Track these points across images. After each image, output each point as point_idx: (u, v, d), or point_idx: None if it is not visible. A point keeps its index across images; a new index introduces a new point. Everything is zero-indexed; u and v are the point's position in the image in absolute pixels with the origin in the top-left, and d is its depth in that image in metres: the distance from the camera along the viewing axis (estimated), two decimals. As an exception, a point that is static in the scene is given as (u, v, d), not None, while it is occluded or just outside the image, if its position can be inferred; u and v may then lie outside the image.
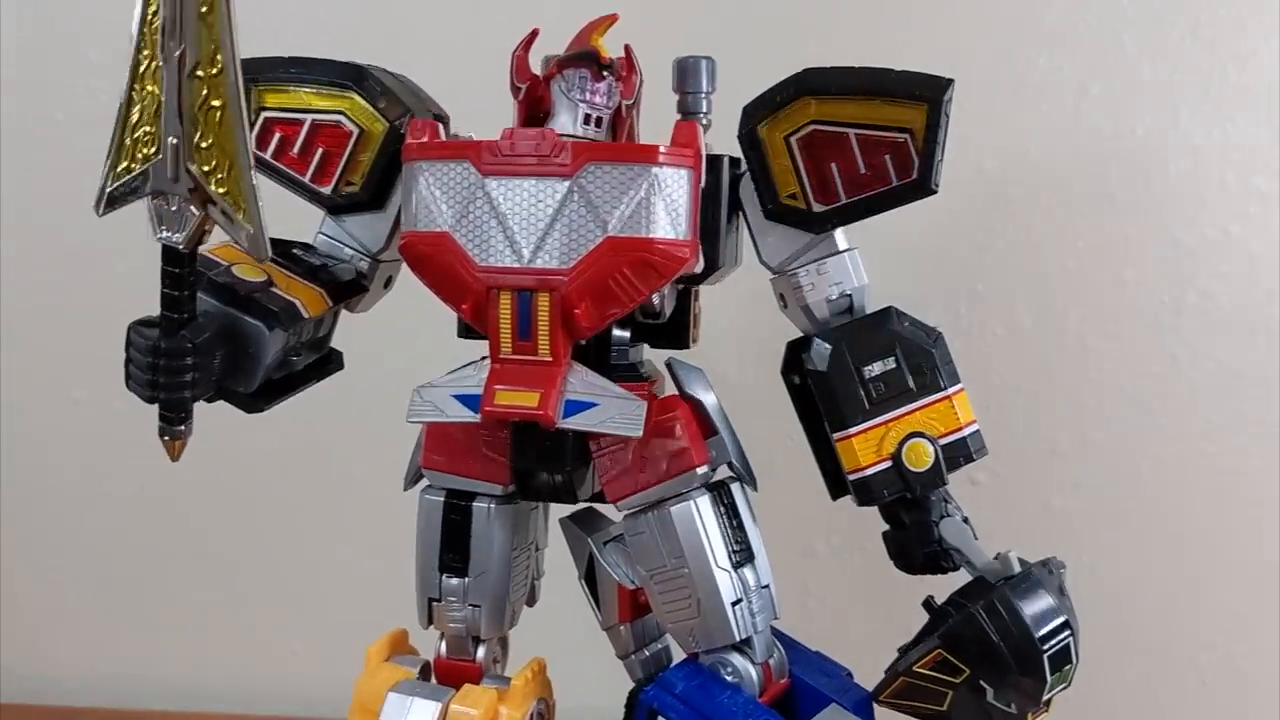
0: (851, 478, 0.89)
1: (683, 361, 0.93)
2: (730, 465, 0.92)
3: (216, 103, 0.77)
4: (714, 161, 0.89)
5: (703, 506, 0.89)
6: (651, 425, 0.86)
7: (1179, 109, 1.43)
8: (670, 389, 0.93)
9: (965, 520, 0.91)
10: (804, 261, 0.91)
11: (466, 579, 0.94)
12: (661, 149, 0.83)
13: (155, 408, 0.87)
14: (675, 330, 0.95)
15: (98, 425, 1.58)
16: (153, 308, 0.86)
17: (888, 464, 0.89)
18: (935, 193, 0.86)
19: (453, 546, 0.94)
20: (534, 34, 0.90)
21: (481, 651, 0.96)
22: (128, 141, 0.81)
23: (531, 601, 1.02)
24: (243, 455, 1.53)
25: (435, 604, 0.95)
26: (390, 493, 0.99)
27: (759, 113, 0.89)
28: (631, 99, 0.90)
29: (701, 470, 0.89)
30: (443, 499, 0.94)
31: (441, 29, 1.50)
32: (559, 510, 1.01)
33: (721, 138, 0.92)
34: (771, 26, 1.42)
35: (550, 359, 0.85)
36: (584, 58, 0.89)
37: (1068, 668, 0.87)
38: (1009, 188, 1.46)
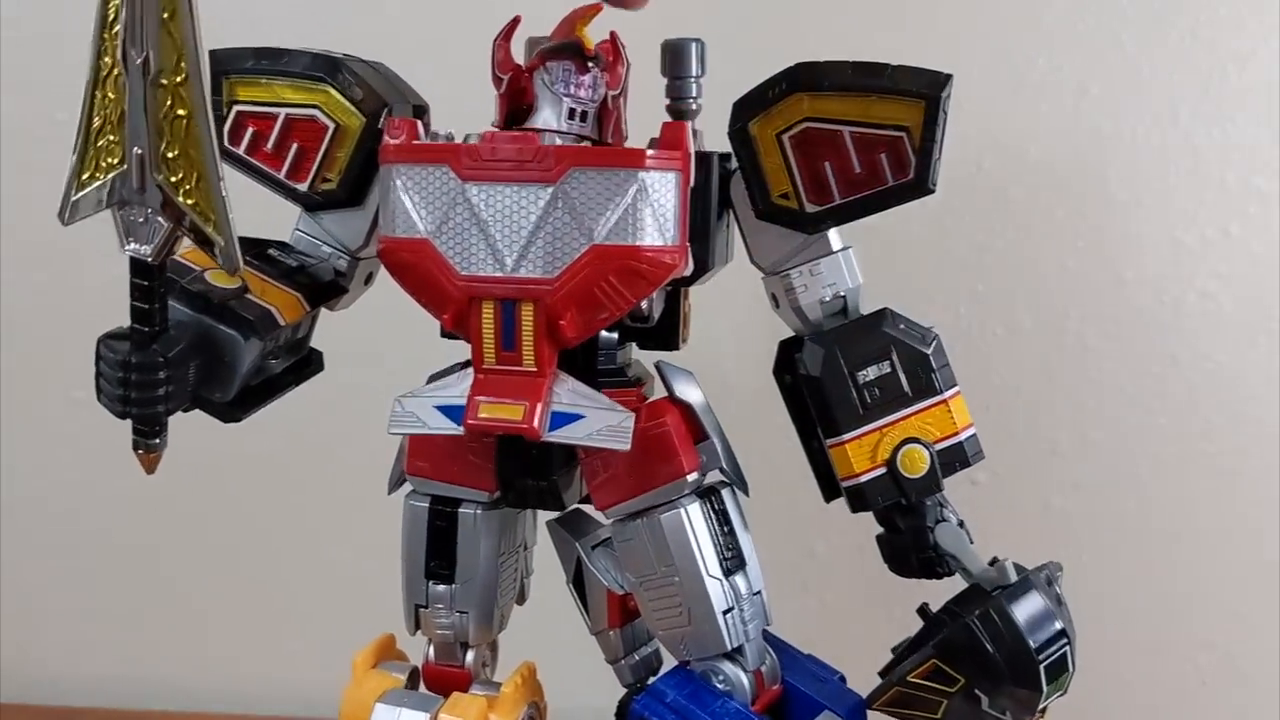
0: (845, 484, 0.88)
1: (672, 364, 0.91)
2: (721, 470, 0.91)
3: (182, 112, 0.74)
4: (703, 158, 0.87)
5: (693, 514, 0.88)
6: (640, 431, 0.84)
7: (1179, 109, 1.42)
8: (660, 390, 0.92)
9: (961, 525, 0.90)
10: (796, 262, 0.89)
11: (453, 585, 0.93)
12: (649, 153, 0.81)
13: None
14: (664, 332, 0.93)
15: (98, 425, 1.57)
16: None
17: (882, 470, 0.87)
18: (933, 192, 0.84)
19: (439, 553, 0.93)
20: (515, 22, 0.87)
21: (470, 657, 0.95)
22: (90, 150, 0.78)
23: (521, 600, 1.01)
24: (242, 456, 1.52)
25: (422, 610, 0.94)
26: (387, 494, 0.98)
27: (750, 109, 0.86)
28: (618, 89, 0.87)
29: (691, 477, 0.88)
30: (427, 505, 0.93)
31: (422, 16, 1.49)
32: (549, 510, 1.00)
33: (712, 133, 0.90)
34: (767, 24, 1.42)
35: (535, 369, 0.83)
36: (567, 49, 0.87)
37: (1064, 677, 0.86)
38: (1009, 188, 1.45)
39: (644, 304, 0.88)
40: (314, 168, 0.92)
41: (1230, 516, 1.47)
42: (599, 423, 0.82)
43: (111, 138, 0.77)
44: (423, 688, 0.95)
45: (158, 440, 0.86)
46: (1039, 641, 0.84)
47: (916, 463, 0.87)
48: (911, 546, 0.90)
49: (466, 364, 0.86)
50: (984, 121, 1.42)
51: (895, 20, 1.44)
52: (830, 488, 0.92)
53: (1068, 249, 1.45)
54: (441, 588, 0.93)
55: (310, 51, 0.92)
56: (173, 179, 0.76)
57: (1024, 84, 1.44)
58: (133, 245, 0.80)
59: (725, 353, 1.24)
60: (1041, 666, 0.84)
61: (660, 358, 0.93)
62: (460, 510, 0.92)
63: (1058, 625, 0.85)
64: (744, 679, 0.90)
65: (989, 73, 1.44)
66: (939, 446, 0.88)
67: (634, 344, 0.95)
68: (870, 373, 0.87)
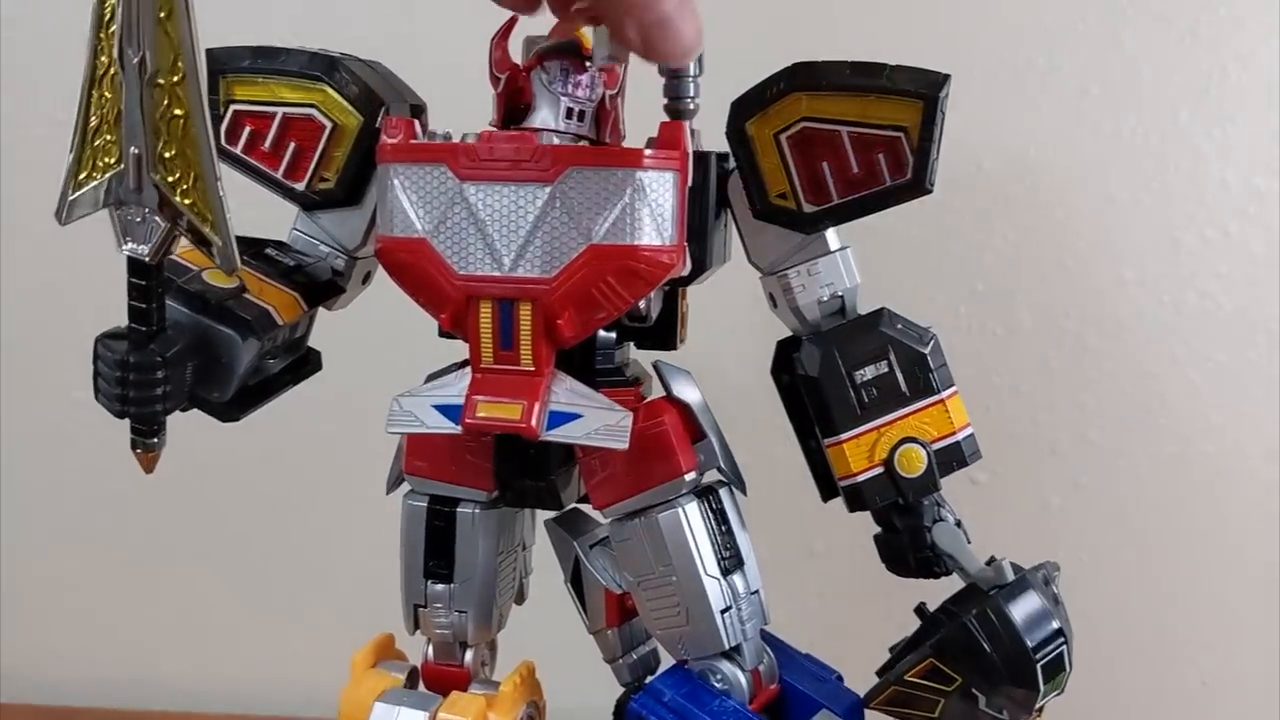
0: (842, 484, 0.89)
1: (670, 364, 0.91)
2: (719, 469, 0.91)
3: (179, 112, 0.74)
4: (701, 158, 0.87)
5: (690, 513, 0.88)
6: (638, 431, 0.84)
7: (1179, 109, 1.42)
8: (658, 390, 0.92)
9: (959, 525, 0.90)
10: (794, 262, 0.89)
11: (452, 585, 0.93)
12: (646, 153, 0.81)
13: None
14: (662, 331, 0.93)
15: (98, 425, 1.57)
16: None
17: (879, 470, 0.87)
18: (930, 192, 0.84)
19: (437, 553, 0.93)
20: (513, 21, 0.87)
21: (469, 656, 0.96)
22: (87, 150, 0.78)
23: (520, 599, 1.01)
24: (240, 457, 1.53)
25: (421, 610, 0.94)
26: (386, 493, 0.98)
27: (748, 109, 0.86)
28: (615, 88, 0.87)
29: (689, 476, 0.88)
30: (426, 505, 0.93)
31: (421, 15, 1.49)
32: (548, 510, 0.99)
33: (710, 133, 0.90)
34: (766, 24, 1.42)
35: (533, 369, 0.83)
36: (565, 48, 0.86)
37: (1061, 676, 0.86)
38: (1009, 187, 1.46)
39: (642, 304, 0.88)
40: (311, 167, 0.92)
41: (1230, 516, 1.47)
42: (597, 422, 0.82)
43: (108, 137, 0.77)
44: (422, 687, 0.96)
45: (156, 440, 0.86)
46: (1036, 641, 0.84)
47: (914, 462, 0.87)
48: (909, 546, 0.90)
49: (464, 363, 0.86)
50: (984, 121, 1.42)
51: (895, 20, 1.44)
52: (828, 488, 0.92)
53: (1068, 249, 1.45)
54: (440, 587, 0.93)
55: (308, 51, 0.92)
56: (170, 179, 0.76)
57: (1024, 84, 1.44)
58: (130, 245, 0.79)
59: (724, 353, 1.24)
60: (1038, 666, 0.84)
61: (658, 357, 0.93)
62: (458, 510, 0.92)
63: (1055, 625, 0.85)
64: (742, 678, 0.90)
65: (989, 73, 1.44)
66: (936, 446, 0.88)
67: (632, 344, 0.95)
68: (867, 372, 0.87)
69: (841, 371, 0.87)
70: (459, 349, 0.87)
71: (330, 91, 0.90)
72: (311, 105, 0.91)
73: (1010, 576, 0.87)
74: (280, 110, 0.91)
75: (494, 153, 0.82)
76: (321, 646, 1.27)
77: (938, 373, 0.88)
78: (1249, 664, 1.49)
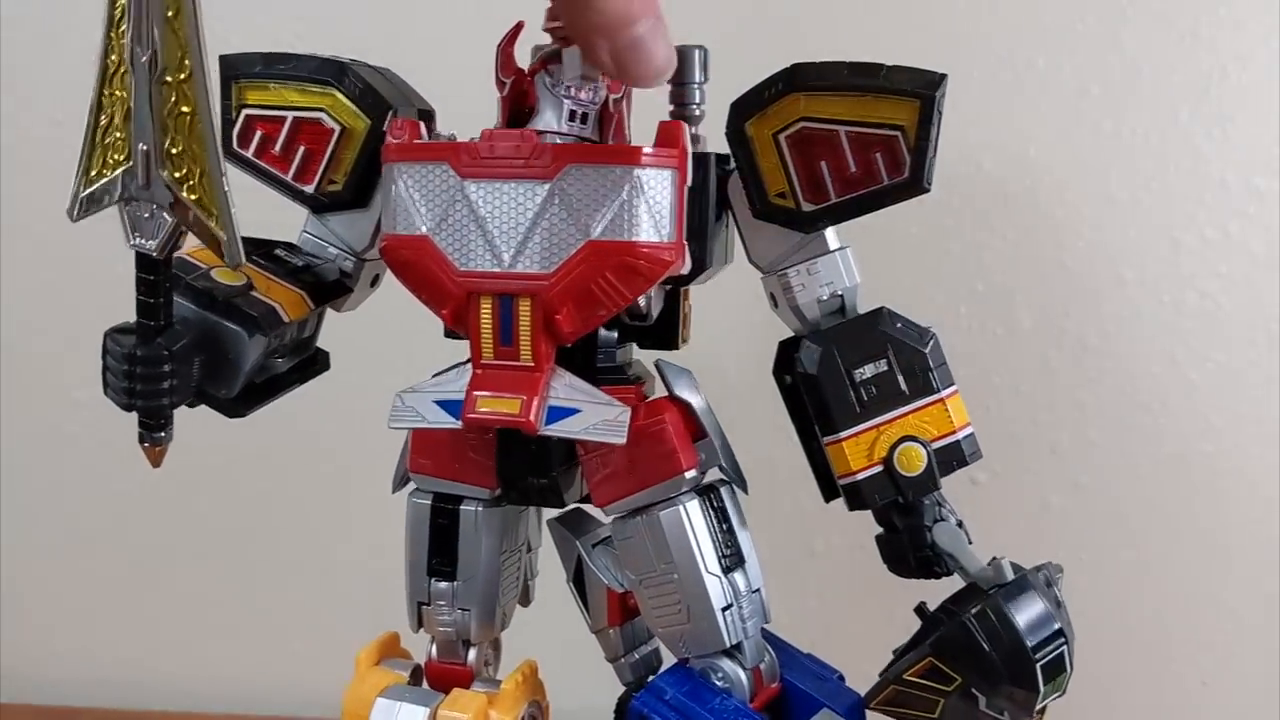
0: (842, 482, 0.89)
1: (671, 363, 0.91)
2: (720, 468, 0.91)
3: (186, 109, 0.75)
4: (701, 159, 0.87)
5: (692, 511, 0.88)
6: (639, 428, 0.85)
7: (1179, 109, 1.42)
8: (660, 389, 0.92)
9: (959, 524, 0.90)
10: (794, 261, 0.89)
11: (455, 582, 0.93)
12: (644, 150, 0.82)
13: None
14: (664, 331, 0.94)
15: (98, 425, 1.58)
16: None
17: (879, 469, 0.87)
18: (928, 191, 0.84)
19: (440, 550, 0.93)
20: (519, 27, 0.87)
21: (472, 654, 0.96)
22: (98, 147, 0.79)
23: (526, 601, 1.01)
24: (245, 456, 1.53)
25: (424, 608, 0.95)
26: (391, 492, 0.99)
27: (747, 109, 0.87)
28: (620, 93, 0.87)
29: (690, 474, 0.88)
30: (429, 502, 0.93)
31: (429, 21, 1.49)
32: (551, 510, 0.99)
33: (710, 133, 0.91)
34: (766, 24, 1.42)
35: (532, 364, 0.83)
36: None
37: (1062, 677, 0.86)
38: (1009, 187, 1.45)
39: (642, 302, 0.88)
40: (320, 169, 0.93)
41: (1230, 516, 1.47)
42: (595, 417, 0.82)
43: (118, 135, 0.78)
44: (425, 685, 0.96)
45: (163, 434, 0.86)
46: (1036, 641, 0.84)
47: (913, 461, 0.87)
48: (909, 546, 0.90)
49: (467, 362, 0.87)
50: (984, 121, 1.42)
51: (895, 20, 1.44)
52: (830, 487, 0.92)
53: (1068, 249, 1.45)
54: (443, 585, 0.94)
55: (317, 56, 0.93)
56: (176, 174, 0.77)
57: (1024, 84, 1.44)
58: (138, 240, 0.80)
59: (725, 352, 1.24)
60: (1038, 666, 0.84)
61: (660, 357, 0.93)
62: (461, 508, 0.93)
63: (1055, 625, 0.85)
64: (743, 676, 0.90)
65: (989, 73, 1.44)
66: (936, 445, 0.88)
67: (634, 343, 0.95)
68: (867, 371, 0.87)
69: (841, 370, 0.87)
70: (464, 350, 0.87)
71: (339, 96, 0.91)
72: (320, 109, 0.92)
73: (1010, 576, 0.87)
74: (290, 114, 0.93)
75: (494, 150, 0.82)
76: (321, 646, 1.27)
77: (937, 372, 0.88)
78: (1249, 664, 1.49)
